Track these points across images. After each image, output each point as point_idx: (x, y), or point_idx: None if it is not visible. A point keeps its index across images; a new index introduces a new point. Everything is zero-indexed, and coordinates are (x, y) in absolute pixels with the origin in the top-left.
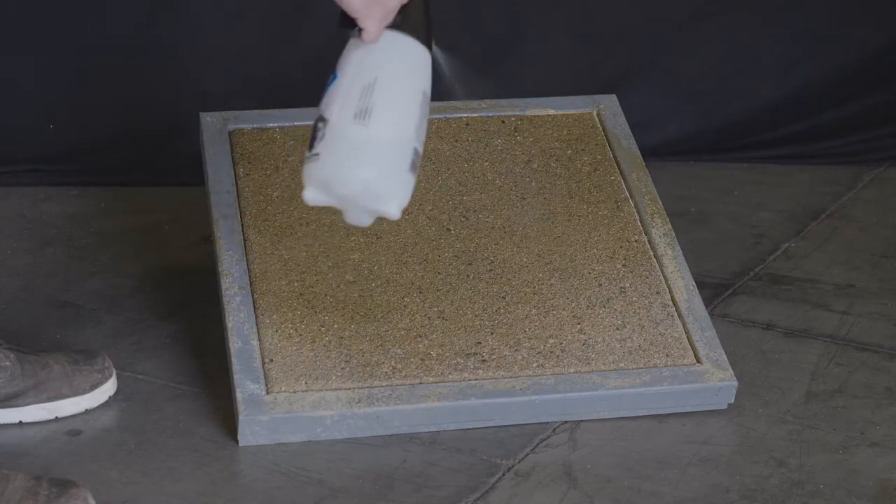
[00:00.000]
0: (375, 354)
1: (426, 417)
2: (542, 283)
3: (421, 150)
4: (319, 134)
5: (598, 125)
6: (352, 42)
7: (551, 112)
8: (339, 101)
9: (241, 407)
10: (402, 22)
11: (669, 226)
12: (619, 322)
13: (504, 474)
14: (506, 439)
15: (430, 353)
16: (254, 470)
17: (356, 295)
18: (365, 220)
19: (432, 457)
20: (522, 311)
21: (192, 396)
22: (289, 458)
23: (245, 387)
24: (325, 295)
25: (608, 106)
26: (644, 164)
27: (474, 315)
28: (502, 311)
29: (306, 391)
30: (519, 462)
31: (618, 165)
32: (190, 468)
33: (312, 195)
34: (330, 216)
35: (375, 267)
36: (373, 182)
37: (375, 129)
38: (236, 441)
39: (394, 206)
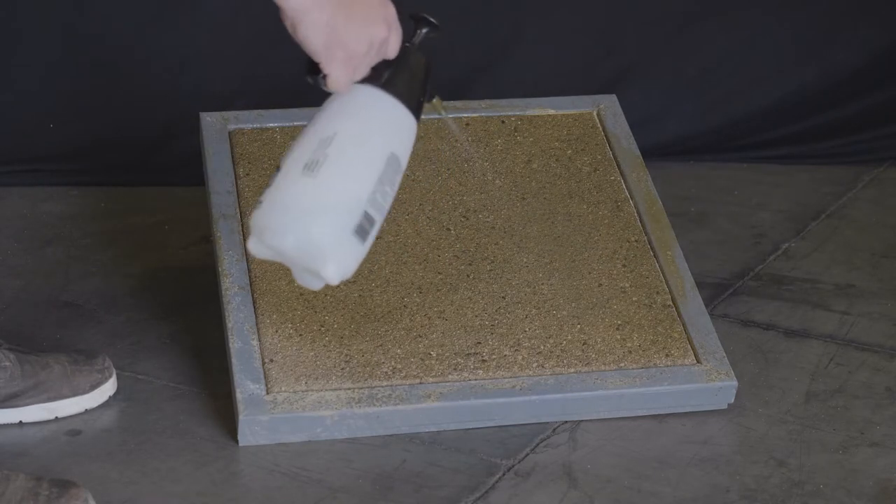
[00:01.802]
0: (375, 354)
1: (426, 417)
2: (543, 284)
3: (379, 217)
4: (270, 181)
5: (598, 125)
6: (331, 97)
7: (551, 112)
8: (296, 150)
9: (241, 407)
10: (385, 80)
11: (669, 226)
12: (619, 322)
13: (504, 474)
14: (506, 439)
15: (430, 353)
16: (254, 470)
17: (356, 295)
18: (313, 284)
19: (432, 457)
20: (522, 312)
21: (192, 396)
22: (289, 458)
23: (245, 387)
24: (325, 295)
25: (608, 106)
26: (644, 163)
27: (474, 315)
28: (502, 311)
29: (306, 391)
30: (519, 462)
31: (618, 165)
32: (190, 468)
33: (254, 246)
34: None
35: (375, 267)
36: (308, 238)
37: (321, 182)
38: (236, 441)
39: (331, 270)
